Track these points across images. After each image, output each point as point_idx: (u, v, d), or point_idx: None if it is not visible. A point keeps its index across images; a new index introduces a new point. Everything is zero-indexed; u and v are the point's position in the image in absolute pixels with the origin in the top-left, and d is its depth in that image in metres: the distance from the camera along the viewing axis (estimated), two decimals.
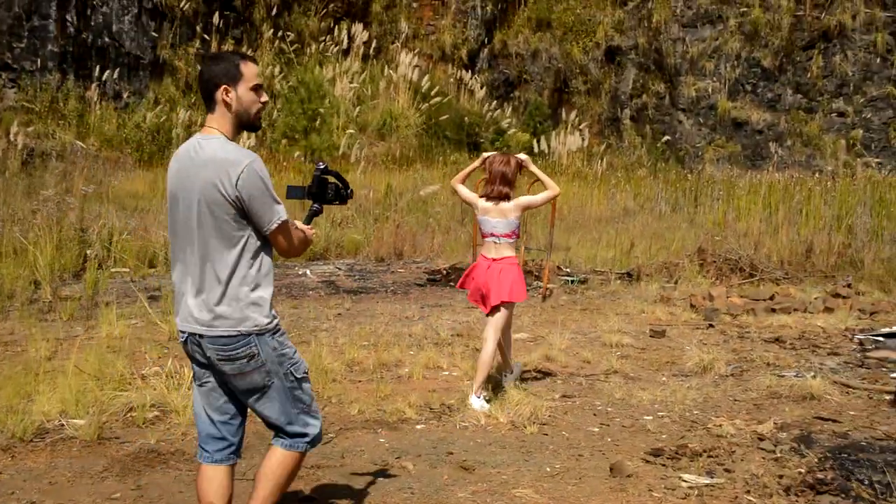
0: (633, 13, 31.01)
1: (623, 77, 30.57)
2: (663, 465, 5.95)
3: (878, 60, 29.67)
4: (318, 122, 23.16)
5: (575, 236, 16.29)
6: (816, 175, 25.69)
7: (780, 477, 5.69)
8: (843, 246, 14.09)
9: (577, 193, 20.75)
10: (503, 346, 7.69)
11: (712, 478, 5.69)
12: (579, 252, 15.30)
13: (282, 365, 3.82)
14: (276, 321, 3.82)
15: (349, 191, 4.37)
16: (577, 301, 12.25)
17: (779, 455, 6.16)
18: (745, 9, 29.84)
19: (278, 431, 3.96)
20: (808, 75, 29.94)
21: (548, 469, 5.86)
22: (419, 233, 16.00)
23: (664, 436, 6.65)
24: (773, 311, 11.22)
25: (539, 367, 8.64)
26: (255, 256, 3.74)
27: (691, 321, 11.00)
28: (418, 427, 6.82)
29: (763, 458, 6.13)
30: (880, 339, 9.89)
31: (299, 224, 4.02)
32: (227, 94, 3.71)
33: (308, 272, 13.69)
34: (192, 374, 3.98)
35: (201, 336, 3.69)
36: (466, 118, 28.27)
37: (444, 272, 13.61)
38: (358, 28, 29.24)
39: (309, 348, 8.66)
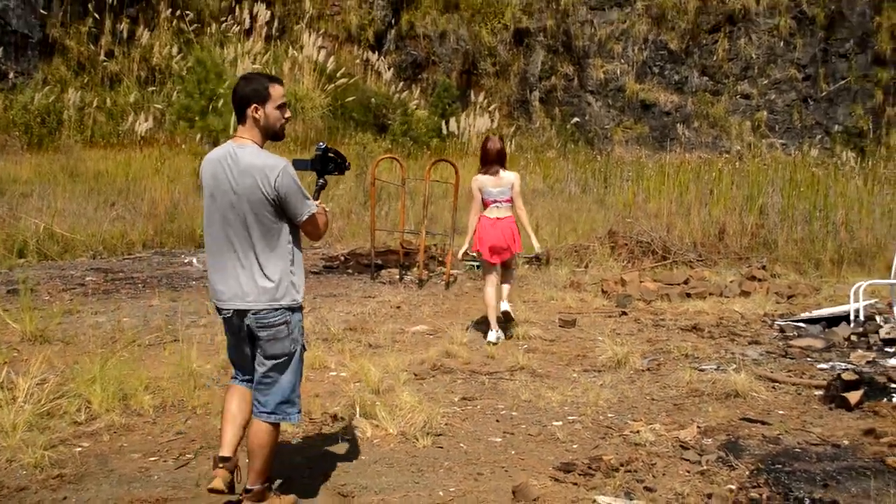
0: None
1: (532, 59, 29.70)
2: (575, 485, 4.99)
3: (782, 44, 29.35)
4: (218, 104, 21.74)
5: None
6: (724, 156, 25.23)
7: (709, 496, 4.79)
8: (756, 227, 13.39)
9: (476, 175, 19.74)
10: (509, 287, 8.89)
11: (631, 500, 4.76)
12: None
13: (301, 336, 4.54)
14: (302, 299, 4.49)
15: (347, 163, 4.83)
16: (482, 288, 11.24)
17: (705, 467, 5.26)
18: None
19: (270, 403, 4.46)
20: (714, 58, 29.47)
21: (440, 493, 4.86)
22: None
23: (575, 445, 5.70)
24: (688, 295, 10.41)
25: (437, 364, 7.62)
26: (288, 244, 4.35)
27: (603, 308, 10.11)
28: (294, 442, 5.76)
29: (687, 471, 5.22)
30: (801, 325, 9.13)
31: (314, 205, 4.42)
32: (256, 111, 4.28)
33: (194, 260, 12.44)
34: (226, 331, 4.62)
35: (245, 312, 4.30)
36: (374, 100, 27.07)
37: (342, 258, 12.50)
38: (260, 8, 27.73)
39: (177, 348, 7.51)
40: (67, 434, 5.70)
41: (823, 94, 29.28)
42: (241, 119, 4.32)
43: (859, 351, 8.03)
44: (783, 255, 12.76)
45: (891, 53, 29.08)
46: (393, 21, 30.19)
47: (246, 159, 4.21)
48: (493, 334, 8.45)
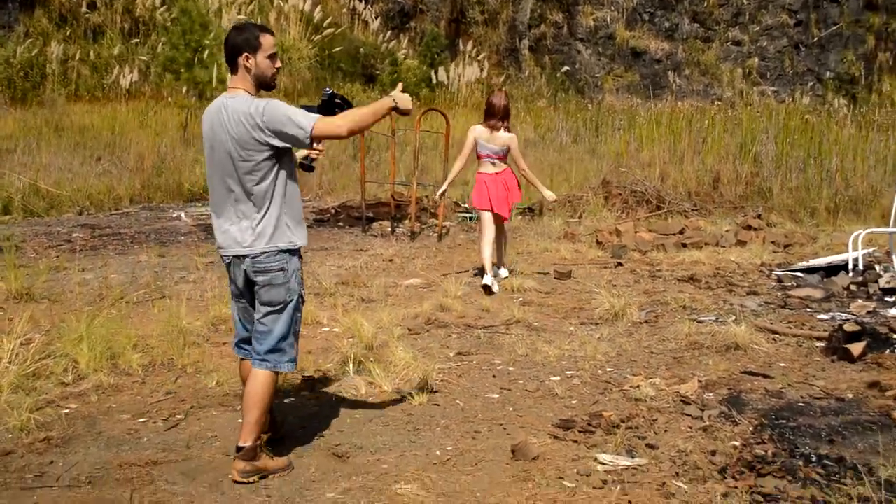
0: None
1: (521, 7, 29.23)
2: (575, 442, 4.86)
3: None
4: (204, 55, 21.32)
5: (472, 170, 15.00)
6: (715, 104, 24.97)
7: (713, 454, 4.65)
8: (751, 175, 13.19)
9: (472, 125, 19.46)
10: (501, 245, 8.97)
11: (633, 458, 4.62)
12: None
13: (299, 285, 4.52)
14: (301, 245, 4.49)
15: (351, 106, 4.65)
16: (475, 240, 11.08)
17: (707, 423, 5.13)
18: None
19: (261, 350, 4.44)
20: (705, 4, 29.10)
21: (437, 453, 4.72)
22: None
23: (574, 401, 5.57)
24: (684, 245, 10.26)
25: (432, 318, 7.47)
26: (283, 187, 4.32)
27: (598, 259, 9.95)
28: (286, 401, 5.62)
29: (689, 427, 5.09)
30: (799, 274, 9.00)
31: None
32: (247, 60, 4.28)
33: (182, 215, 12.22)
34: (230, 293, 4.64)
35: (243, 256, 4.33)
36: (361, 50, 26.63)
37: (333, 211, 12.30)
38: None
39: (167, 304, 7.33)
40: (54, 395, 5.54)
41: (815, 39, 28.98)
42: (234, 69, 4.33)
43: (859, 301, 7.90)
44: (778, 203, 12.59)
45: None
46: None
47: (235, 107, 4.22)
48: (488, 277, 8.45)
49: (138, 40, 24.58)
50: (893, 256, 8.94)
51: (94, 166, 14.45)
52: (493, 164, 8.61)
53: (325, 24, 26.16)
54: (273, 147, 4.20)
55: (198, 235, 10.98)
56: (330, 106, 4.58)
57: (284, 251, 4.37)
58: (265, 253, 4.32)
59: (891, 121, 19.91)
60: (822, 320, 7.38)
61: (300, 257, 4.52)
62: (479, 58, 27.56)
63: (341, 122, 4.25)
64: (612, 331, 7.12)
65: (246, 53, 4.26)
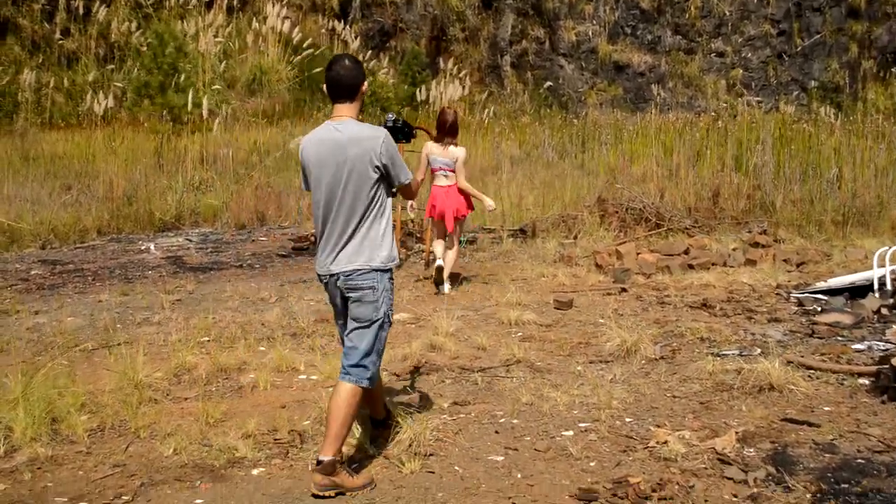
0: None
1: (501, 23, 28.42)
2: None
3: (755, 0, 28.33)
4: (179, 78, 20.38)
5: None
6: (700, 116, 24.20)
7: None
8: (752, 188, 12.32)
9: (459, 144, 18.55)
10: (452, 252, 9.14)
11: None
12: None
13: (386, 304, 4.58)
14: (393, 265, 4.61)
15: (413, 131, 5.13)
16: (466, 266, 10.18)
17: (754, 489, 4.25)
18: None
19: (346, 365, 4.53)
20: (687, 16, 28.40)
21: None
22: (285, 193, 13.55)
23: (593, 463, 4.66)
24: (691, 267, 9.36)
25: (422, 360, 6.54)
26: (383, 210, 4.56)
27: (600, 285, 9.03)
28: (255, 472, 4.68)
29: (734, 495, 4.20)
30: (820, 296, 8.11)
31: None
32: (363, 89, 4.55)
33: (152, 247, 11.22)
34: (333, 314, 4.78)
35: (338, 274, 4.49)
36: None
37: (313, 238, 11.34)
38: None
39: (126, 351, 6.38)
40: None
41: (798, 49, 28.31)
42: (351, 98, 4.51)
43: (894, 327, 7.01)
44: (783, 217, 11.72)
45: (865, 5, 28.12)
46: None
47: (353, 131, 4.44)
48: (440, 262, 8.94)
49: (113, 66, 23.67)
50: None
51: (61, 197, 13.47)
52: (446, 176, 8.91)
53: (304, 45, 25.31)
54: (380, 173, 4.48)
55: (166, 269, 10.01)
56: (394, 131, 4.85)
57: (376, 270, 4.51)
58: (358, 270, 4.48)
59: (881, 129, 19.14)
60: (858, 351, 6.48)
61: (391, 278, 4.64)
62: (460, 75, 26.69)
63: (415, 189, 4.98)
64: (626, 370, 6.21)
65: (364, 83, 4.56)
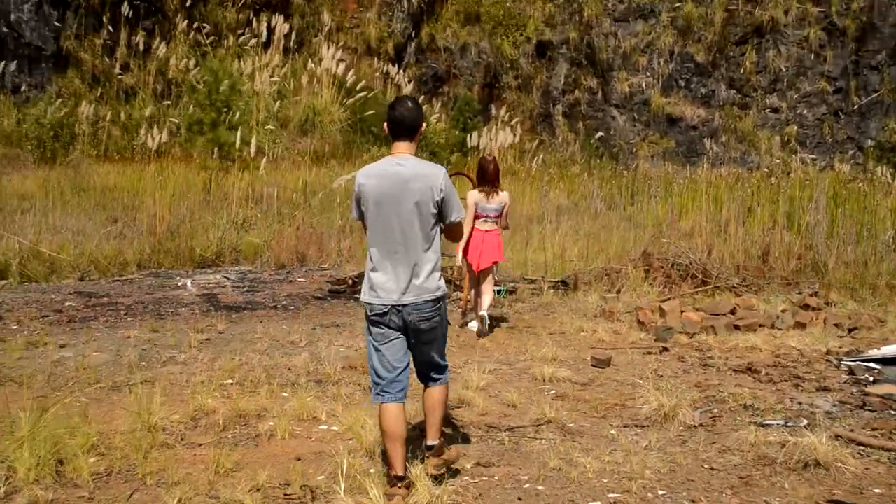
0: (564, 7, 28.69)
1: (555, 72, 28.27)
2: None
3: (811, 56, 27.81)
4: (233, 115, 20.44)
5: (503, 238, 13.76)
6: (753, 172, 23.70)
7: None
8: (804, 248, 11.84)
9: (508, 191, 18.25)
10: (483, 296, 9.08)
11: None
12: (508, 255, 12.85)
13: (447, 317, 5.04)
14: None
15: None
16: (504, 315, 9.84)
17: None
18: (677, 3, 27.73)
19: (432, 371, 5.03)
20: (742, 71, 27.96)
21: None
22: (326, 234, 13.35)
23: None
24: (737, 328, 8.93)
25: (448, 415, 6.20)
26: (437, 243, 4.86)
27: (640, 343, 8.63)
28: None
29: None
30: (873, 365, 7.64)
31: None
32: (423, 130, 4.94)
33: (189, 283, 11.06)
34: (374, 338, 4.85)
35: (405, 305, 4.72)
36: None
37: (351, 281, 11.10)
38: (279, 20, 26.45)
39: (146, 391, 6.15)
40: None
41: (855, 107, 27.69)
42: (411, 136, 4.83)
43: None
44: (835, 279, 11.22)
45: None
46: (413, 34, 28.88)
47: (415, 168, 4.76)
48: (474, 324, 9.03)
49: (170, 102, 23.89)
50: None
51: (107, 228, 13.42)
52: (487, 220, 8.98)
53: (357, 88, 25.36)
54: (438, 208, 4.78)
55: (200, 307, 9.81)
56: None
57: (440, 298, 4.86)
58: (429, 301, 4.77)
59: None
60: None
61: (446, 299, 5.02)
62: (511, 122, 26.52)
63: (462, 232, 5.21)
64: (662, 436, 5.82)
65: (423, 123, 4.90)
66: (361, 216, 4.89)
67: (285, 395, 6.62)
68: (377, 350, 4.85)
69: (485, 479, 5.10)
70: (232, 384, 6.86)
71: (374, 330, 4.83)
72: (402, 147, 4.82)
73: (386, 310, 4.74)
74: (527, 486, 5.00)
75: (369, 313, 4.81)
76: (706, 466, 5.31)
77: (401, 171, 4.72)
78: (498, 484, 5.02)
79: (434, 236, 4.81)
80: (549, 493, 4.89)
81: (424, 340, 4.86)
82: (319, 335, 8.57)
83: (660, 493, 4.89)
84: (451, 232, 5.02)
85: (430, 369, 5.02)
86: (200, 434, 5.79)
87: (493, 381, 7.05)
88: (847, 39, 27.50)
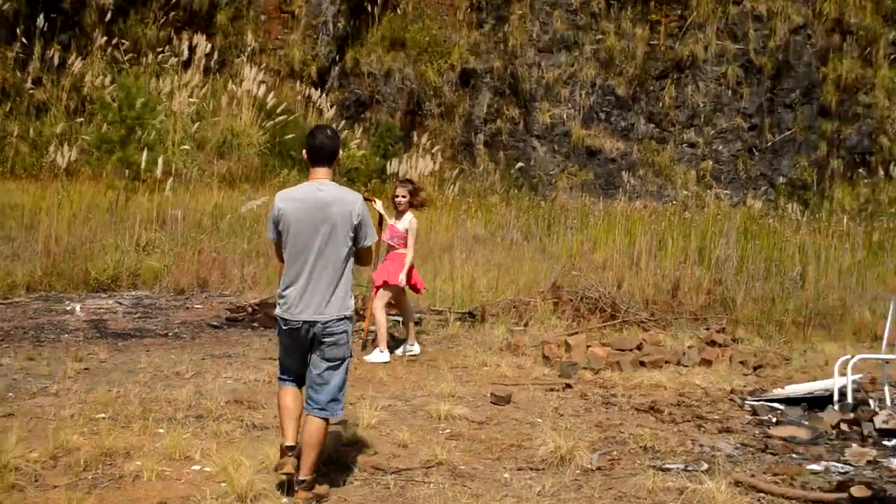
0: (490, 35, 28.56)
1: (478, 101, 28.08)
2: None
3: (729, 92, 28.15)
4: (149, 136, 19.72)
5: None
6: (669, 205, 23.78)
7: None
8: (713, 283, 11.72)
9: (423, 220, 17.87)
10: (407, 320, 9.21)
11: None
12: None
13: (350, 345, 5.28)
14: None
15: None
16: (408, 351, 9.42)
17: None
18: (600, 35, 27.85)
19: (322, 401, 5.10)
20: (661, 105, 28.16)
21: None
22: (230, 259, 12.78)
23: None
24: (642, 364, 8.69)
25: (333, 456, 5.77)
26: (350, 265, 5.16)
27: (544, 378, 8.31)
28: None
29: None
30: (776, 405, 7.44)
31: None
32: (339, 155, 5.31)
33: (78, 308, 10.41)
34: (282, 342, 5.23)
35: (314, 322, 5.00)
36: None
37: (251, 309, 10.58)
38: (200, 39, 25.75)
39: (7, 425, 5.60)
40: None
41: (768, 144, 28.09)
42: (328, 163, 5.17)
43: (854, 446, 6.34)
44: (742, 315, 11.10)
45: (836, 105, 28.04)
46: (337, 58, 28.41)
47: (335, 193, 5.07)
48: (380, 355, 8.79)
49: (83, 119, 23.01)
50: (886, 388, 7.43)
51: (3, 248, 12.68)
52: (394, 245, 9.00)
53: (278, 111, 24.81)
54: (355, 233, 5.08)
55: (85, 334, 9.21)
56: None
57: (348, 318, 5.13)
58: (336, 319, 5.02)
59: (846, 229, 18.80)
60: (814, 472, 5.79)
61: (353, 321, 5.29)
62: (433, 150, 26.23)
63: (372, 257, 5.96)
64: (557, 481, 5.48)
65: (340, 151, 5.28)
66: (278, 237, 5.12)
67: (160, 430, 6.12)
68: (286, 351, 5.24)
69: None
70: (104, 418, 6.33)
71: (283, 339, 5.20)
72: (321, 173, 5.13)
73: (298, 325, 5.02)
74: None
75: (282, 326, 5.12)
76: None
77: (321, 196, 5.00)
78: None
79: (347, 259, 5.08)
80: None
81: (327, 357, 5.06)
82: (208, 366, 8.05)
83: None
84: (362, 256, 5.27)
85: (319, 393, 5.09)
86: (59, 475, 5.26)
87: (386, 419, 6.64)
88: (763, 77, 27.90)
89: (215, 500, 4.81)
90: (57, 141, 20.84)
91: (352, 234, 5.05)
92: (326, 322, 4.99)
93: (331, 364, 5.07)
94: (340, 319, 5.04)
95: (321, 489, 5.10)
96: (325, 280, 5.00)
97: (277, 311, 5.16)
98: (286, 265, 5.11)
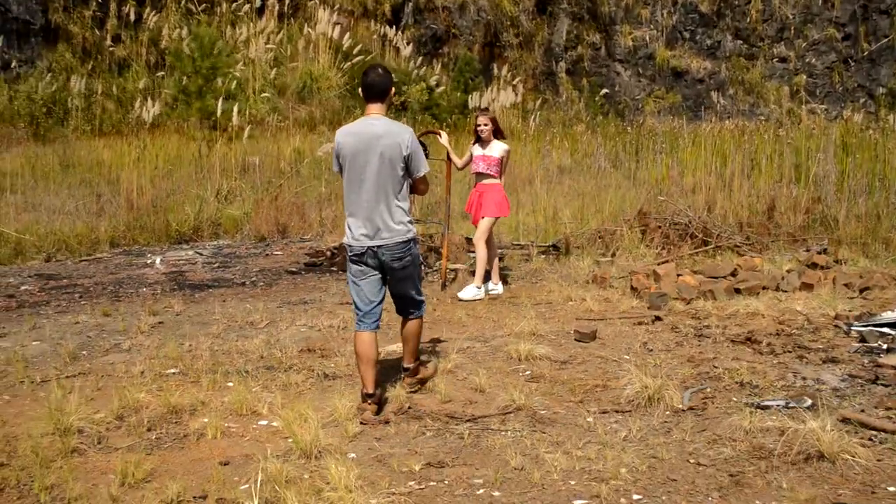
0: None
1: (556, 28, 27.18)
2: None
3: (819, 2, 26.62)
4: (230, 85, 19.55)
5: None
6: (762, 123, 22.65)
7: None
8: (812, 201, 10.93)
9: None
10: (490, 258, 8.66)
11: None
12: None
13: (417, 258, 5.58)
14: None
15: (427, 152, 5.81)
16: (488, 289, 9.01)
17: None
18: None
19: (407, 305, 5.64)
20: (748, 19, 26.84)
21: None
22: (308, 203, 12.51)
23: None
24: (738, 291, 8.08)
25: (405, 405, 5.42)
26: (408, 192, 5.45)
27: (632, 312, 7.79)
28: None
29: None
30: (887, 330, 6.78)
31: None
32: (393, 94, 5.54)
33: (158, 261, 10.28)
34: (353, 274, 5.45)
35: (380, 246, 5.30)
36: (393, 77, 24.76)
37: (330, 253, 10.29)
38: None
39: (72, 386, 5.41)
40: None
41: (865, 53, 26.54)
42: (381, 99, 5.36)
43: None
44: (845, 234, 10.31)
45: None
46: None
47: (386, 126, 5.30)
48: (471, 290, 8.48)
49: (164, 73, 23.03)
50: None
51: (74, 204, 12.64)
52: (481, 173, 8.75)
53: (354, 52, 24.42)
54: (406, 162, 5.32)
55: (163, 286, 9.05)
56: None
57: (413, 240, 5.43)
58: (402, 243, 5.33)
59: None
60: None
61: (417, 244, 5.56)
62: (514, 82, 25.52)
63: (428, 186, 5.69)
64: (645, 424, 5.02)
65: (394, 90, 5.46)
66: (340, 169, 5.41)
67: (230, 384, 5.86)
68: (356, 284, 5.43)
69: (433, 483, 4.33)
70: (174, 374, 6.11)
71: (354, 267, 5.42)
72: (375, 108, 5.37)
73: (362, 251, 5.30)
74: (480, 491, 4.23)
75: (349, 254, 5.40)
76: (692, 461, 4.51)
77: (373, 129, 5.27)
78: (447, 490, 4.25)
79: (402, 187, 5.32)
80: (504, 499, 4.12)
81: (399, 277, 5.42)
82: (283, 314, 7.79)
83: (635, 497, 4.11)
84: (418, 185, 5.50)
85: (405, 303, 5.59)
86: (122, 436, 5.04)
87: (463, 363, 6.26)
88: None
89: (278, 458, 4.50)
90: (141, 96, 20.89)
91: (403, 165, 5.28)
92: (393, 246, 5.28)
93: (404, 277, 5.45)
94: (404, 242, 5.31)
95: (427, 371, 5.81)
96: (383, 206, 5.26)
97: (345, 239, 5.44)
98: (345, 194, 5.39)
